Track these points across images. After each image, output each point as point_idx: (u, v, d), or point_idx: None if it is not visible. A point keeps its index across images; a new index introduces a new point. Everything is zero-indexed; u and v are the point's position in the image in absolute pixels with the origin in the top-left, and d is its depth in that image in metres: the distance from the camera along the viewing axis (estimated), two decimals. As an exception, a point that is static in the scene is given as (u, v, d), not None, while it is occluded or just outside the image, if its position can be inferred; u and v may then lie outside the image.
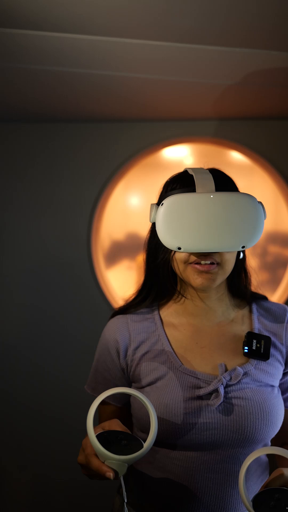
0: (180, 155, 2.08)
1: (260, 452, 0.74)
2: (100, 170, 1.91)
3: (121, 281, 2.10)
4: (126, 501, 0.79)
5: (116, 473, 0.73)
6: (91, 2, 1.12)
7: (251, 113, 1.82)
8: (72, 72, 1.48)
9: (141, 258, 1.83)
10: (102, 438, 0.75)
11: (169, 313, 0.96)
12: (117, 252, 2.13)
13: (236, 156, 2.01)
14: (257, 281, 0.99)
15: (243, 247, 0.83)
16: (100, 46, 1.33)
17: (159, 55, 1.39)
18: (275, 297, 1.92)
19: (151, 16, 1.18)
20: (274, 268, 2.11)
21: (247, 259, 0.96)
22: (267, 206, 2.11)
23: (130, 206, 2.09)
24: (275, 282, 2.04)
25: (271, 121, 1.87)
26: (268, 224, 2.08)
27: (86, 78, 1.52)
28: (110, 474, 0.73)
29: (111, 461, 0.73)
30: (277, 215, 2.06)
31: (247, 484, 0.88)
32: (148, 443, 0.75)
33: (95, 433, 0.75)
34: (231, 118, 1.86)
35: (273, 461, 0.99)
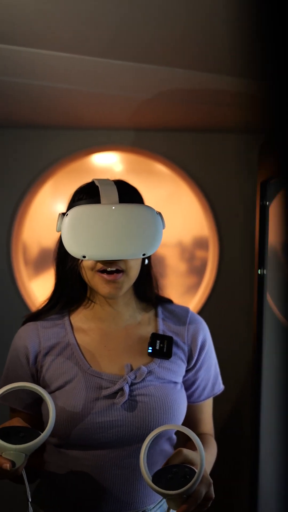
0: (109, 162, 2.13)
1: (160, 429, 0.83)
2: (20, 177, 1.89)
3: (50, 289, 2.10)
4: (30, 500, 0.82)
5: (13, 464, 0.77)
6: (13, 12, 1.13)
7: (171, 125, 1.90)
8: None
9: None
10: (0, 433, 0.79)
11: (79, 318, 1.01)
12: (48, 259, 2.13)
13: (159, 165, 2.09)
14: (162, 284, 1.06)
15: (144, 254, 0.90)
16: (23, 56, 1.35)
17: (78, 68, 1.44)
18: (196, 299, 2.02)
19: (72, 29, 1.22)
20: (201, 272, 2.21)
21: (152, 264, 1.03)
22: (189, 215, 2.19)
23: (60, 212, 2.10)
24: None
25: (192, 133, 1.96)
26: (194, 231, 2.18)
27: (7, 85, 1.53)
28: (7, 465, 0.76)
29: (8, 451, 0.77)
30: (201, 222, 2.16)
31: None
32: (45, 432, 0.79)
33: None
34: (152, 130, 1.93)
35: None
